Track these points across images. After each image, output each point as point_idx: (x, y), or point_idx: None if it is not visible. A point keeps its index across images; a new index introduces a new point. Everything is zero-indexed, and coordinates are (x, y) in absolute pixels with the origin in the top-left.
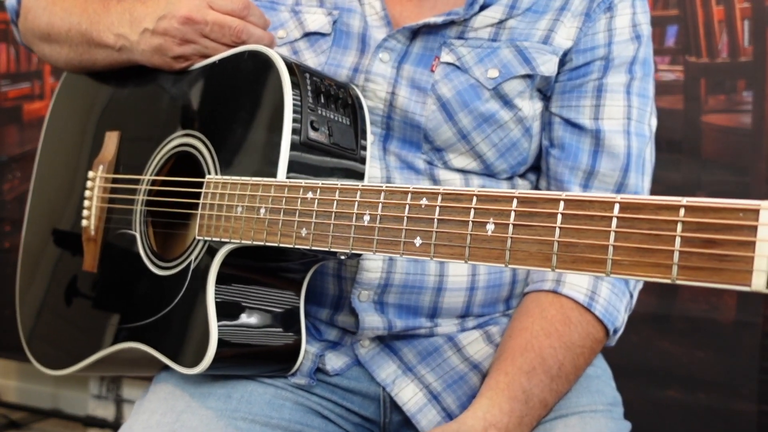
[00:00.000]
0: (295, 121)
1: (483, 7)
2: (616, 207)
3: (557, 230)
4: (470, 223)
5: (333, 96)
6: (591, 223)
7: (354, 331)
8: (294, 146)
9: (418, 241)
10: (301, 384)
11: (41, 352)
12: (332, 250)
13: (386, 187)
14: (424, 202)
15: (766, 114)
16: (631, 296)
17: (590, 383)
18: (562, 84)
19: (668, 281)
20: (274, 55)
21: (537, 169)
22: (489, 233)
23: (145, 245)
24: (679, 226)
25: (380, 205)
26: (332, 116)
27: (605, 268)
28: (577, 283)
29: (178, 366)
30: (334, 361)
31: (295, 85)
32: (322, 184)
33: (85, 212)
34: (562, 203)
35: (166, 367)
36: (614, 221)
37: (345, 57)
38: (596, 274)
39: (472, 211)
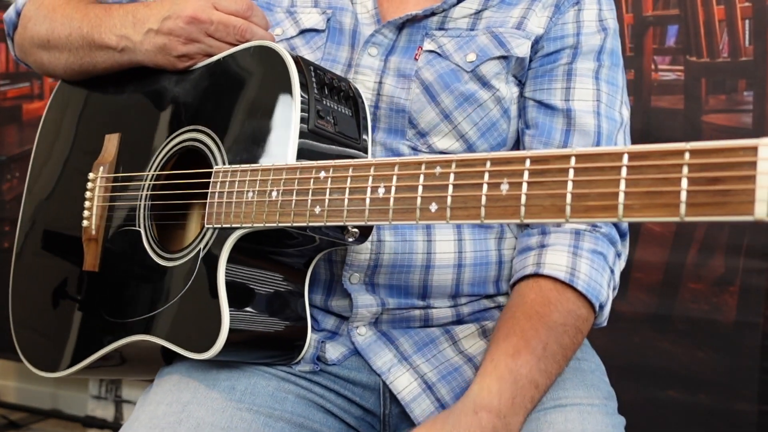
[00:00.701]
0: (302, 109)
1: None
2: (625, 157)
3: (569, 183)
4: (485, 185)
5: (336, 88)
6: (601, 173)
7: (349, 316)
8: (303, 133)
9: (433, 207)
10: (305, 371)
11: (38, 354)
12: (346, 223)
13: (400, 160)
14: (438, 170)
15: (766, 114)
16: (612, 272)
17: (585, 377)
18: (535, 70)
19: (677, 219)
20: (280, 48)
21: None
22: (504, 193)
23: (150, 239)
24: (685, 169)
25: (394, 177)
26: (335, 107)
27: (617, 213)
28: (556, 263)
29: (188, 352)
30: (332, 352)
31: (301, 75)
32: (335, 163)
33: (85, 213)
34: (573, 158)
35: (168, 365)
36: (623, 170)
37: (339, 53)
38: (609, 220)
39: (486, 174)
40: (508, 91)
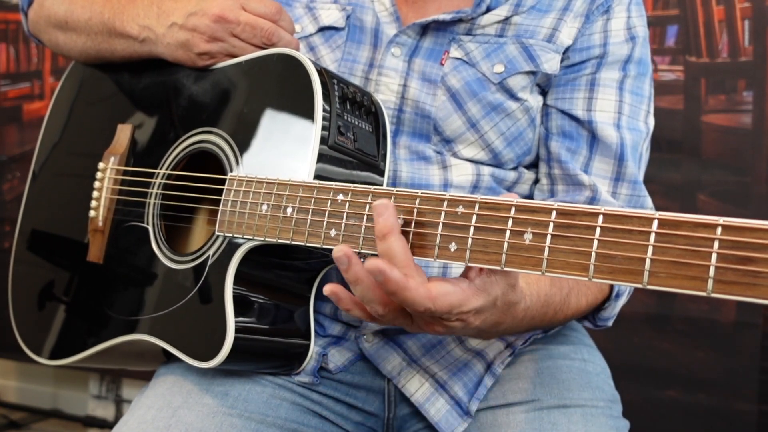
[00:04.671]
0: (324, 126)
1: (489, 8)
2: (655, 223)
3: (595, 242)
4: (508, 232)
5: (358, 103)
6: (629, 236)
7: (357, 325)
8: (322, 149)
9: (453, 246)
10: (305, 382)
11: (38, 342)
12: (362, 251)
13: (422, 193)
14: (460, 209)
15: (766, 114)
16: None
17: (590, 379)
18: (558, 78)
19: (703, 294)
20: (305, 59)
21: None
22: (527, 242)
23: (158, 239)
24: (716, 244)
25: (415, 210)
26: (357, 122)
27: (642, 279)
28: None
29: (191, 359)
30: (338, 358)
31: (324, 89)
32: (354, 187)
33: (93, 203)
34: (600, 217)
35: (165, 364)
36: (652, 236)
37: (360, 52)
38: (633, 285)
39: (510, 221)
40: (535, 101)
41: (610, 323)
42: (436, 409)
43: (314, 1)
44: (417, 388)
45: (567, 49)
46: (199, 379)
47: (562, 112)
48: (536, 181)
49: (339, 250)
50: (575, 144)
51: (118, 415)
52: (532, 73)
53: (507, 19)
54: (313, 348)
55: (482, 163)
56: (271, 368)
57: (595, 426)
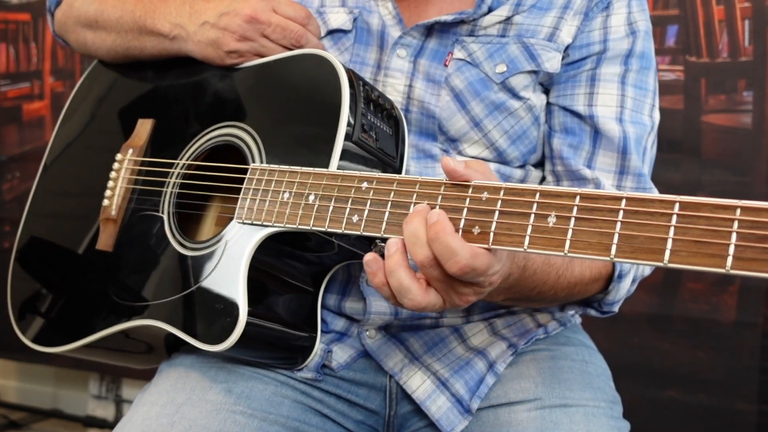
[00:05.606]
0: (349, 122)
1: (491, 9)
2: (677, 206)
3: (618, 224)
4: (532, 215)
5: (380, 106)
6: (651, 218)
7: (360, 319)
8: (346, 144)
9: (476, 230)
10: (307, 378)
11: (36, 330)
12: (384, 235)
13: (446, 180)
14: (485, 195)
15: (766, 114)
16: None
17: (591, 380)
18: (559, 76)
19: (723, 271)
20: (334, 59)
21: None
22: (550, 225)
23: (172, 227)
24: (735, 224)
25: (440, 196)
26: (378, 123)
27: (663, 258)
28: None
29: (200, 342)
30: (340, 355)
31: (351, 87)
32: (379, 175)
33: (108, 192)
34: (624, 201)
35: (168, 360)
36: (674, 218)
37: (367, 54)
38: (654, 264)
39: (535, 205)
40: (538, 99)
41: (616, 308)
42: (437, 406)
43: (324, 6)
44: (418, 385)
45: (567, 47)
46: (203, 376)
47: (564, 108)
48: (543, 179)
49: (393, 240)
50: (577, 140)
51: (118, 415)
52: (534, 72)
53: (508, 19)
54: (319, 344)
55: (488, 161)
56: (276, 360)
57: (597, 426)
